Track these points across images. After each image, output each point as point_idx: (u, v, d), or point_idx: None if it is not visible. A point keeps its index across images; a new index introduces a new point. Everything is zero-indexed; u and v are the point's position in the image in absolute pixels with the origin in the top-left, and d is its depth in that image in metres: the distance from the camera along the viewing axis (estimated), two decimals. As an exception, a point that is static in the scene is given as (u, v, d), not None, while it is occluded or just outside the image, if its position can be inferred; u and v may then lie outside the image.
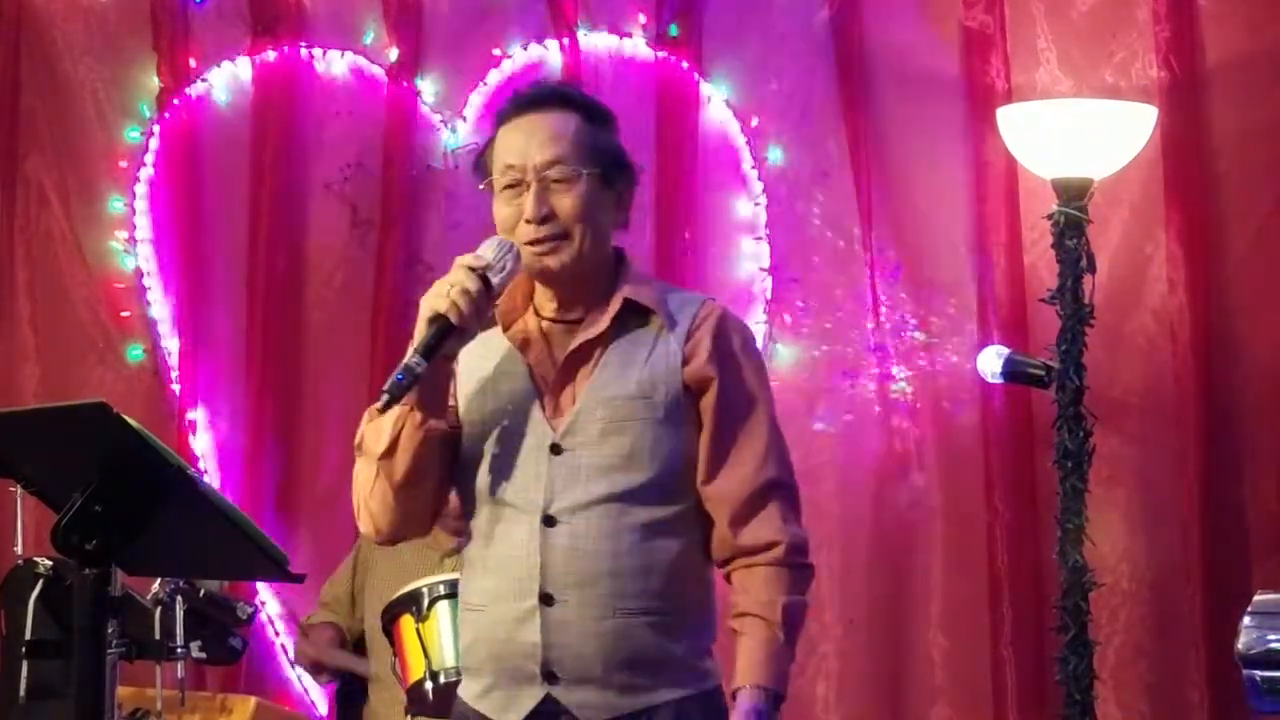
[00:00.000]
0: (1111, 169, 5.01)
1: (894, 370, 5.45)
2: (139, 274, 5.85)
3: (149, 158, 5.86)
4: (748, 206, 5.55)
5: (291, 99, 5.81)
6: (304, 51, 5.82)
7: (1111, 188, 5.16)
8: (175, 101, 5.84)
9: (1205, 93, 5.26)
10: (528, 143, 3.09)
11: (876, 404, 5.43)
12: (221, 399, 5.82)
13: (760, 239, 5.54)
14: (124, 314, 5.87)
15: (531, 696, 3.07)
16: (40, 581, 4.42)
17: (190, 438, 5.76)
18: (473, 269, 3.03)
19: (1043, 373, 4.89)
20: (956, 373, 5.40)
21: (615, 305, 3.10)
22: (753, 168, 5.56)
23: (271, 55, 5.83)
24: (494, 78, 5.72)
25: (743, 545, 3.10)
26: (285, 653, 5.66)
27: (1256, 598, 3.83)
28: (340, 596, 5.16)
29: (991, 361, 4.92)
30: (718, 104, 5.59)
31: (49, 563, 4.44)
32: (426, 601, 4.45)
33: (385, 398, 2.98)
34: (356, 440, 3.16)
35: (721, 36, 5.61)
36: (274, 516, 5.71)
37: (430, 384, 3.03)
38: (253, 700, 5.17)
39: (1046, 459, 5.05)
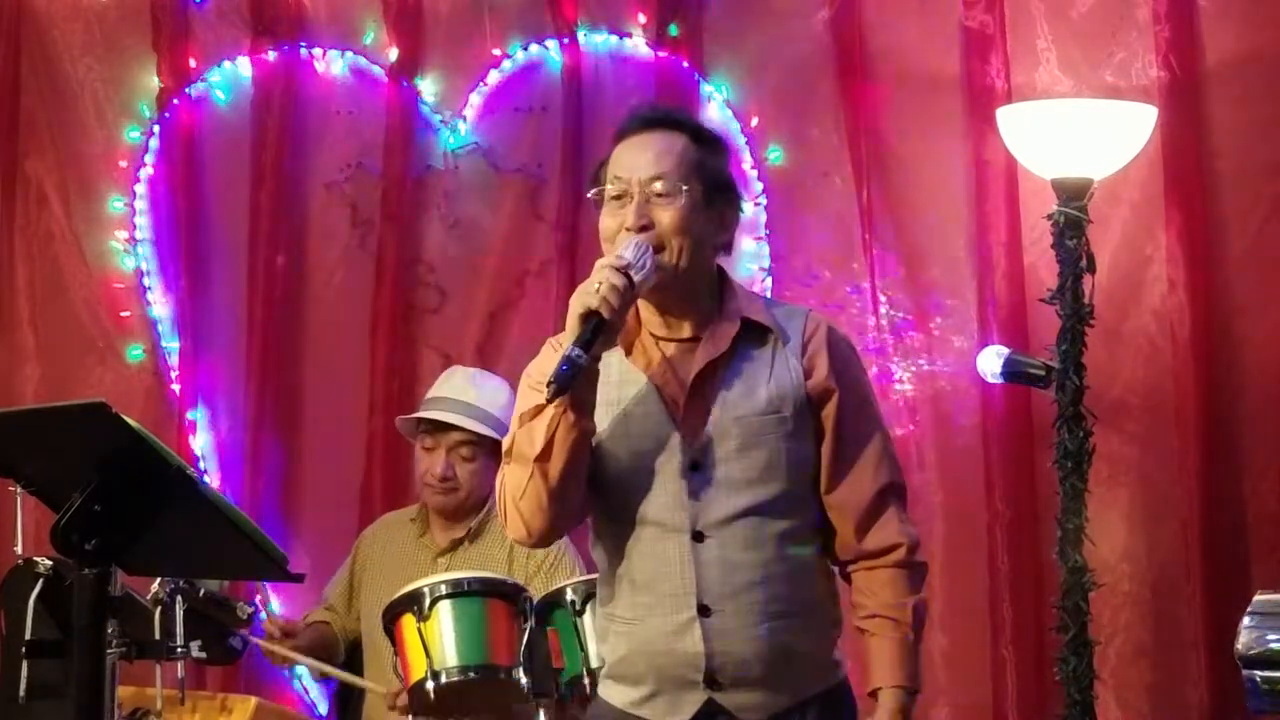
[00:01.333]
0: (1111, 169, 5.00)
1: (894, 370, 5.46)
2: (139, 274, 5.85)
3: (149, 158, 5.86)
4: (748, 206, 5.54)
5: (291, 99, 5.81)
6: (304, 51, 5.82)
7: (1111, 188, 5.16)
8: (175, 101, 5.84)
9: (1205, 93, 5.26)
10: (636, 158, 3.25)
11: (876, 404, 5.43)
12: (221, 399, 5.82)
13: (760, 239, 5.54)
14: (124, 314, 5.87)
15: (694, 701, 3.26)
16: (40, 581, 4.41)
17: (190, 438, 5.76)
18: (616, 268, 3.13)
19: (1043, 373, 4.89)
20: (956, 373, 5.40)
21: (735, 325, 3.27)
22: (753, 168, 5.56)
23: (271, 55, 5.83)
24: (494, 78, 5.72)
25: (866, 549, 3.33)
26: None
27: (1256, 598, 3.83)
28: (334, 597, 5.16)
29: (991, 361, 4.92)
30: (718, 104, 5.59)
31: (49, 563, 4.43)
32: (428, 601, 4.45)
33: (553, 388, 3.08)
34: (505, 447, 3.27)
35: (721, 36, 5.61)
36: (274, 516, 5.71)
37: (582, 384, 3.15)
38: (253, 700, 5.16)
39: (1046, 459, 5.04)
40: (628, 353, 3.28)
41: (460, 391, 5.01)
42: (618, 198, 3.24)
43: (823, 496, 3.30)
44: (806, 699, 3.29)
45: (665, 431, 3.25)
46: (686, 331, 3.29)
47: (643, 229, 3.20)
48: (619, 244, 3.20)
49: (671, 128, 3.30)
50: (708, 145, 3.32)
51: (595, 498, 3.30)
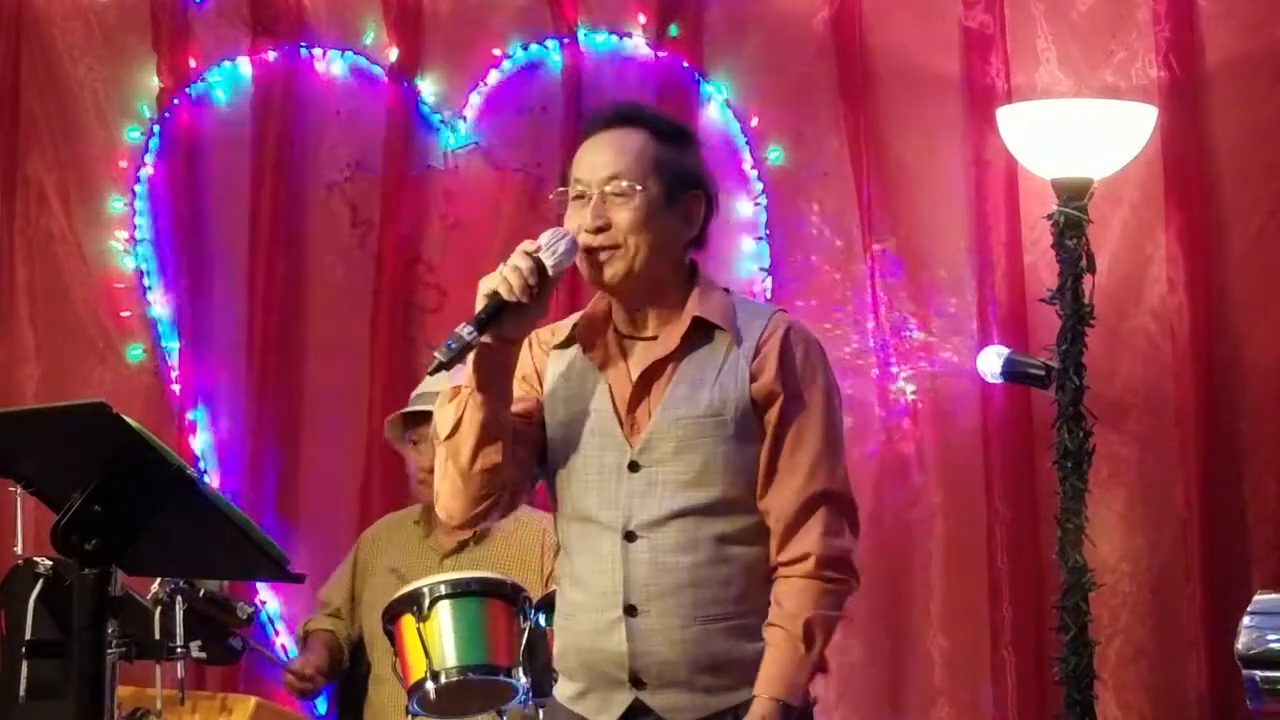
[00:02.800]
0: (1111, 169, 5.01)
1: (894, 370, 5.46)
2: (139, 274, 5.85)
3: (149, 158, 5.85)
4: (748, 206, 5.55)
5: (291, 99, 5.81)
6: (304, 51, 5.82)
7: (1111, 188, 5.16)
8: (175, 101, 5.84)
9: (1205, 93, 5.26)
10: (594, 158, 3.23)
11: (876, 404, 5.43)
12: (221, 399, 5.81)
13: (760, 239, 5.54)
14: (124, 314, 5.86)
15: (622, 700, 3.24)
16: (40, 581, 4.42)
17: (190, 438, 5.76)
18: (526, 252, 3.15)
19: (1043, 373, 4.89)
20: (956, 373, 5.40)
21: (685, 323, 3.22)
22: (753, 168, 5.56)
23: (271, 55, 5.82)
24: (494, 78, 5.72)
25: (782, 557, 3.24)
26: (285, 652, 5.66)
27: (1256, 598, 3.84)
28: (339, 600, 5.14)
29: (991, 361, 4.92)
30: (718, 104, 5.59)
31: (49, 563, 4.44)
32: (427, 601, 4.45)
33: (435, 361, 3.08)
34: (431, 430, 3.29)
35: (721, 36, 5.61)
36: (274, 516, 5.71)
37: (490, 365, 3.16)
38: (253, 700, 5.16)
39: (1046, 459, 5.05)
40: (588, 348, 3.26)
41: (439, 384, 4.99)
42: (579, 198, 3.22)
43: (757, 502, 3.24)
44: (742, 704, 3.21)
45: (611, 429, 3.23)
46: (649, 330, 3.26)
47: (599, 229, 3.18)
48: (580, 244, 3.21)
49: (630, 124, 3.25)
50: (670, 140, 3.26)
51: (550, 492, 3.32)
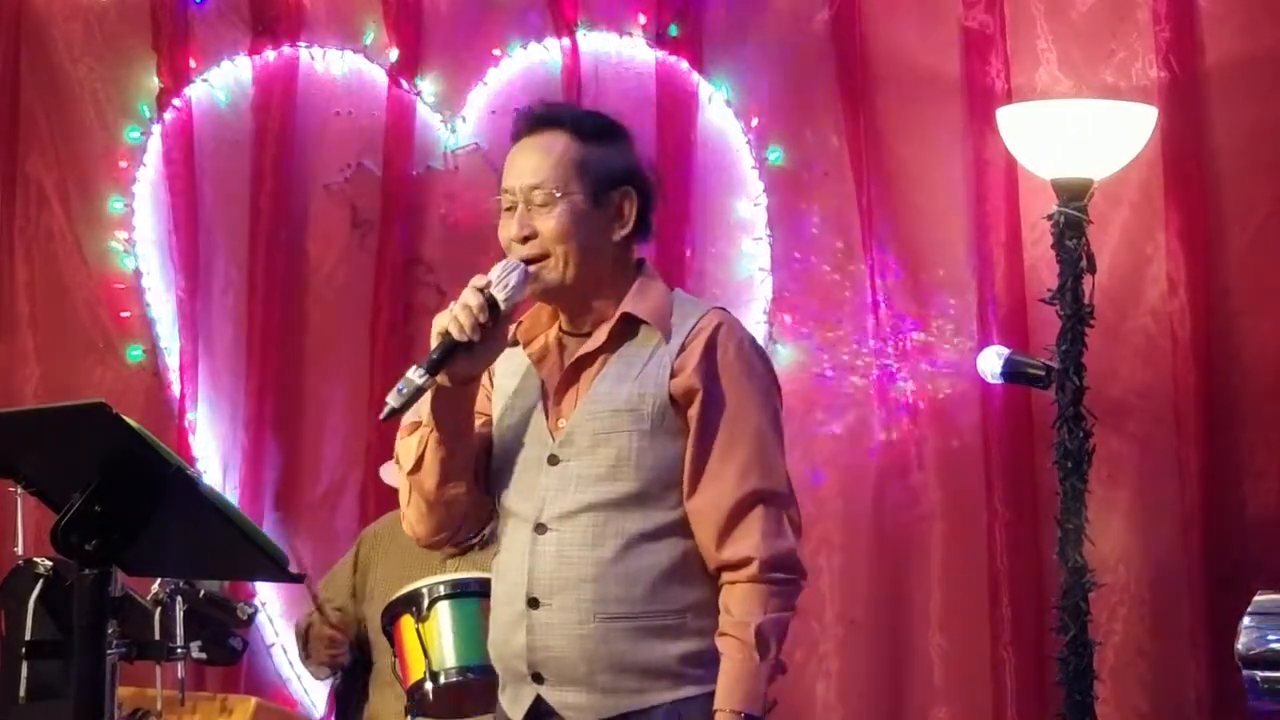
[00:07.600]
0: (1111, 169, 5.01)
1: (894, 370, 5.46)
2: (139, 274, 5.85)
3: (149, 158, 5.86)
4: (748, 206, 5.55)
5: (291, 99, 5.81)
6: (304, 51, 5.83)
7: (1111, 188, 5.16)
8: (175, 101, 5.84)
9: (1205, 93, 5.26)
10: (517, 167, 3.22)
11: (876, 404, 5.43)
12: (221, 399, 5.82)
13: (760, 239, 5.54)
14: (124, 314, 5.87)
15: (527, 696, 3.23)
16: (40, 581, 4.42)
17: (190, 438, 5.76)
18: (478, 288, 3.14)
19: (1043, 373, 4.89)
20: (956, 373, 5.40)
21: (614, 319, 3.21)
22: (753, 168, 5.56)
23: (271, 55, 5.83)
24: (494, 78, 5.72)
25: (723, 560, 3.18)
26: (285, 653, 5.66)
27: (1256, 598, 3.84)
28: (342, 598, 5.13)
29: (991, 361, 4.92)
30: (718, 104, 5.59)
31: (49, 563, 4.44)
32: (426, 601, 4.45)
33: (387, 408, 3.09)
34: (395, 454, 3.33)
35: (721, 36, 5.61)
36: (274, 516, 5.71)
37: (447, 406, 3.19)
38: (253, 700, 5.17)
39: (1046, 459, 5.04)
40: (528, 345, 3.28)
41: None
42: (509, 209, 3.22)
43: (685, 503, 3.19)
44: (648, 707, 3.17)
45: (538, 423, 3.24)
46: (587, 327, 3.26)
47: (525, 239, 3.17)
48: (510, 255, 3.19)
49: (551, 126, 3.23)
50: (593, 139, 3.23)
51: (487, 488, 3.33)
